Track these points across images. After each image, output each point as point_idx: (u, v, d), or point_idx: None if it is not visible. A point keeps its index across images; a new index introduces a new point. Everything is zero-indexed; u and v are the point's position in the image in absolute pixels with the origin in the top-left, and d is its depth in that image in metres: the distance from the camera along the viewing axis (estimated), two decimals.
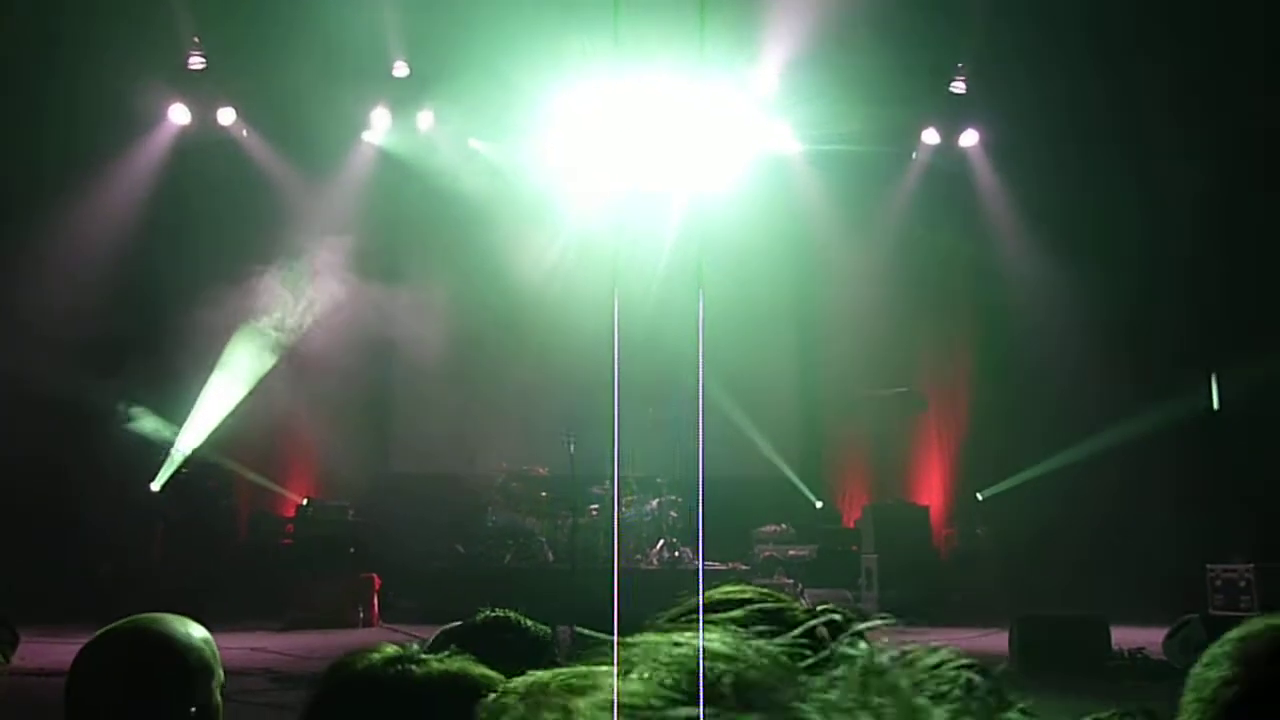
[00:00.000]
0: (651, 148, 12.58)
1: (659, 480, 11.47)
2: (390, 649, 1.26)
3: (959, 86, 12.69)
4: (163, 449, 11.50)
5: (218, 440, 11.50)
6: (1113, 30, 11.01)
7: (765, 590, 1.30)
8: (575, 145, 12.52)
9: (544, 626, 2.17)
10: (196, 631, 1.93)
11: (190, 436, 11.49)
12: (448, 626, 2.37)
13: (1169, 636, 7.77)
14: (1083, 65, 11.29)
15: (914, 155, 13.30)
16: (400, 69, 12.30)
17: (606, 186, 12.54)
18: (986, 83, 12.50)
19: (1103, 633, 7.48)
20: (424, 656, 1.26)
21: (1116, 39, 11.10)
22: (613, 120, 12.29)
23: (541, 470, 11.57)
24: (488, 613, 2.45)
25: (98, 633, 1.90)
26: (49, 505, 10.47)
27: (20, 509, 10.18)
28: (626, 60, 11.28)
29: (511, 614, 2.60)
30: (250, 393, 11.28)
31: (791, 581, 11.09)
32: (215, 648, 1.94)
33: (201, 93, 12.28)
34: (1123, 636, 7.85)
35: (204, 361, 11.36)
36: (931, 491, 13.04)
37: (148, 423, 11.38)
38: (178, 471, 11.47)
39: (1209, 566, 10.32)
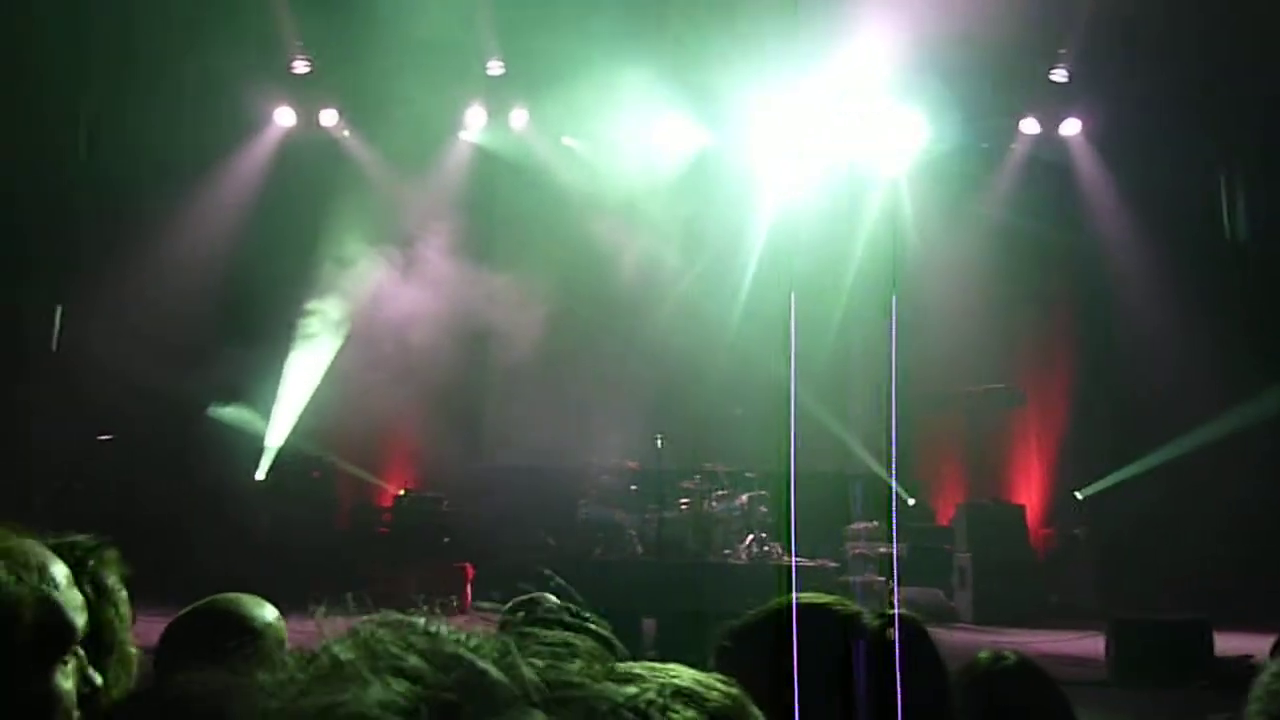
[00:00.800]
0: (750, 142, 12.60)
1: (749, 475, 11.45)
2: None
3: (1060, 74, 12.33)
4: (267, 441, 11.97)
5: (320, 432, 11.87)
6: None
7: (836, 598, 1.32)
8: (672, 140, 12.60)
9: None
10: (269, 612, 2.04)
11: (293, 429, 11.90)
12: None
13: (1277, 645, 7.46)
14: (1185, 49, 10.88)
15: (1013, 145, 13.00)
16: (495, 68, 12.49)
17: (701, 184, 12.57)
18: (1089, 70, 12.13)
19: (1205, 637, 7.21)
20: None
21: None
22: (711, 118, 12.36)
23: (632, 464, 11.66)
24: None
25: (180, 612, 2.02)
26: (159, 494, 10.93)
27: (132, 498, 10.64)
28: (720, 58, 11.27)
29: (550, 596, 2.64)
30: (348, 386, 11.59)
31: (883, 579, 10.98)
32: (284, 627, 2.05)
33: (306, 95, 12.66)
34: (1230, 644, 7.57)
35: (306, 356, 11.71)
36: (1029, 490, 12.75)
37: (250, 416, 11.86)
38: (281, 462, 11.89)
39: None
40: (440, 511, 11.60)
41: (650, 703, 0.48)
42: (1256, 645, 7.58)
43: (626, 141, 12.50)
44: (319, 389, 11.69)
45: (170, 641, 1.97)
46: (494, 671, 0.48)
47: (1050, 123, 12.79)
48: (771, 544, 11.05)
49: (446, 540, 11.23)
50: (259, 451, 12.05)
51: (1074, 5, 11.29)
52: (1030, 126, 12.82)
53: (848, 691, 1.10)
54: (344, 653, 0.49)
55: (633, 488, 11.62)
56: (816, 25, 11.27)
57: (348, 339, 11.87)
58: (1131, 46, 11.19)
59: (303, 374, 11.91)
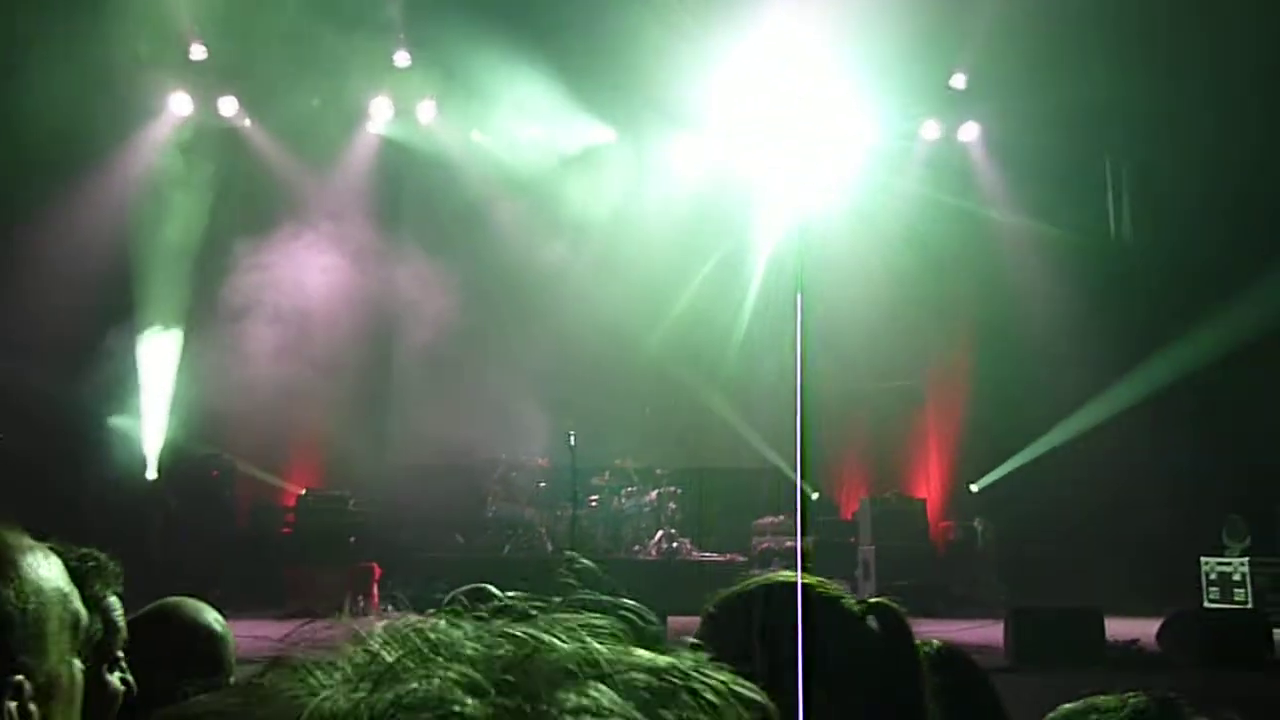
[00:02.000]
0: (653, 136, 12.67)
1: (658, 471, 11.53)
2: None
3: (959, 82, 12.68)
4: (158, 439, 11.63)
5: (219, 430, 11.55)
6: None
7: (819, 580, 1.35)
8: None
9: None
10: (213, 616, 2.00)
11: (189, 427, 11.58)
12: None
13: (1163, 629, 7.82)
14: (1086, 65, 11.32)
15: (914, 147, 13.31)
16: (402, 59, 12.30)
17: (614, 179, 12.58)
18: (987, 77, 12.51)
19: (1097, 625, 7.52)
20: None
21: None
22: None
23: (541, 461, 11.63)
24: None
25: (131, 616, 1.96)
26: (50, 495, 10.52)
27: (22, 497, 10.22)
28: (623, 54, 11.31)
29: (490, 587, 2.67)
30: (248, 381, 11.29)
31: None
32: (230, 631, 2.02)
33: (203, 82, 12.30)
34: (1117, 628, 7.90)
35: (200, 349, 11.37)
36: (929, 484, 13.10)
37: (139, 415, 11.52)
38: (177, 461, 11.55)
39: (1204, 560, 10.40)
40: (346, 510, 11.39)
41: (687, 673, 0.50)
42: (1143, 629, 7.96)
43: (533, 135, 12.46)
44: (217, 385, 11.35)
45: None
46: (559, 643, 0.49)
47: (949, 127, 13.14)
48: (681, 540, 11.14)
49: (353, 540, 11.04)
50: (152, 451, 11.70)
51: (972, 14, 11.62)
52: (931, 130, 13.14)
53: (824, 669, 1.14)
54: (392, 649, 0.50)
55: (542, 485, 11.59)
56: (724, 20, 11.42)
57: (248, 332, 11.55)
58: (1027, 57, 11.56)
59: (197, 369, 11.56)
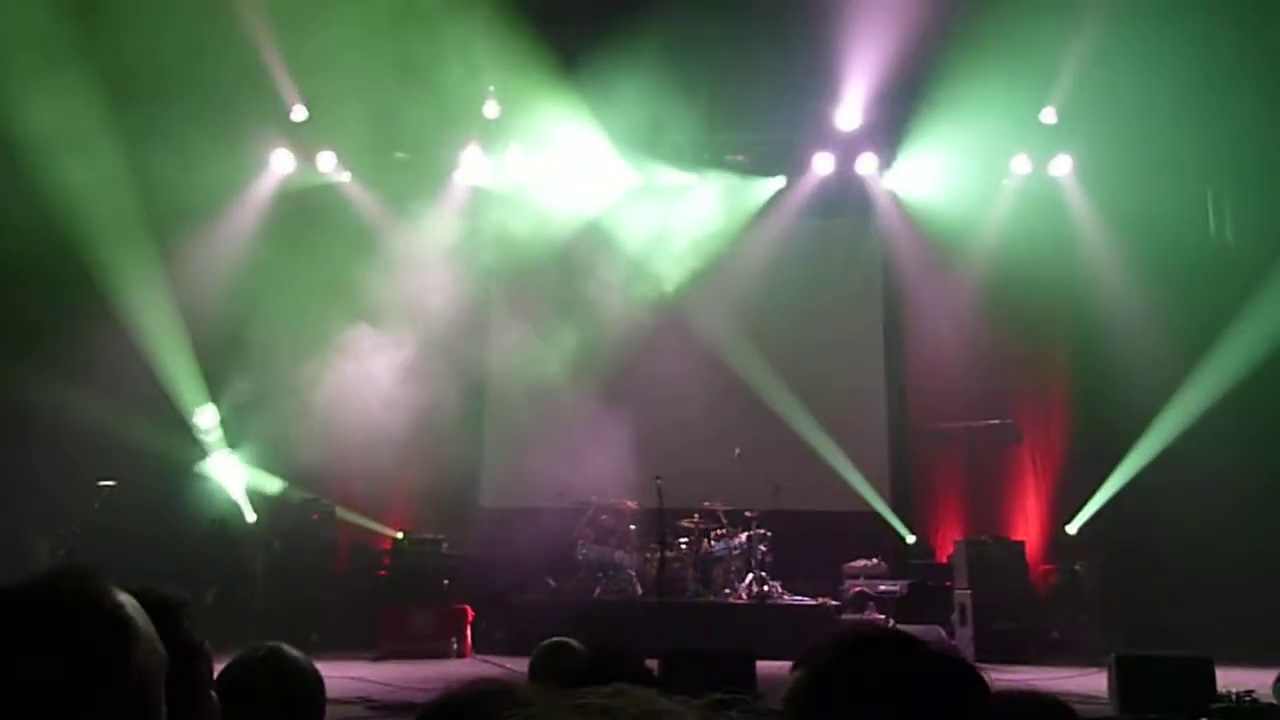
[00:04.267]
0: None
1: (748, 513, 11.46)
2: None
3: (1049, 116, 12.49)
4: (266, 486, 12.04)
5: (319, 477, 11.89)
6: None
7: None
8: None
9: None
10: (305, 660, 2.09)
11: (292, 474, 11.96)
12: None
13: None
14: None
15: (1005, 182, 13.13)
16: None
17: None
18: (1077, 110, 12.30)
19: (1208, 674, 7.20)
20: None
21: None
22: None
23: (631, 503, 11.66)
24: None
25: (238, 655, 2.07)
26: (159, 536, 10.95)
27: (132, 539, 10.64)
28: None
29: (573, 641, 2.72)
30: (346, 430, 11.60)
31: (882, 617, 10.95)
32: (321, 676, 2.11)
33: (303, 140, 12.81)
34: (1231, 678, 7.56)
35: (307, 399, 11.72)
36: (1027, 526, 12.75)
37: (247, 461, 11.96)
38: (280, 505, 11.92)
39: None
40: (440, 554, 11.58)
41: None
42: (1259, 679, 7.59)
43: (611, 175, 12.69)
44: (317, 434, 11.69)
45: (232, 688, 2.00)
46: None
47: (1040, 161, 12.93)
48: (771, 583, 11.04)
49: (446, 582, 11.21)
50: (257, 497, 12.11)
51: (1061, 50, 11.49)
52: (1021, 165, 12.95)
53: None
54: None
55: (632, 527, 11.62)
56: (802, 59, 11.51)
57: (347, 380, 11.89)
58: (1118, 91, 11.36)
59: (301, 418, 11.92)
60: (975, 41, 10.85)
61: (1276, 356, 11.00)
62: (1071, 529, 12.38)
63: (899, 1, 10.78)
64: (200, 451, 11.95)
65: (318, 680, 2.11)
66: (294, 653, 2.13)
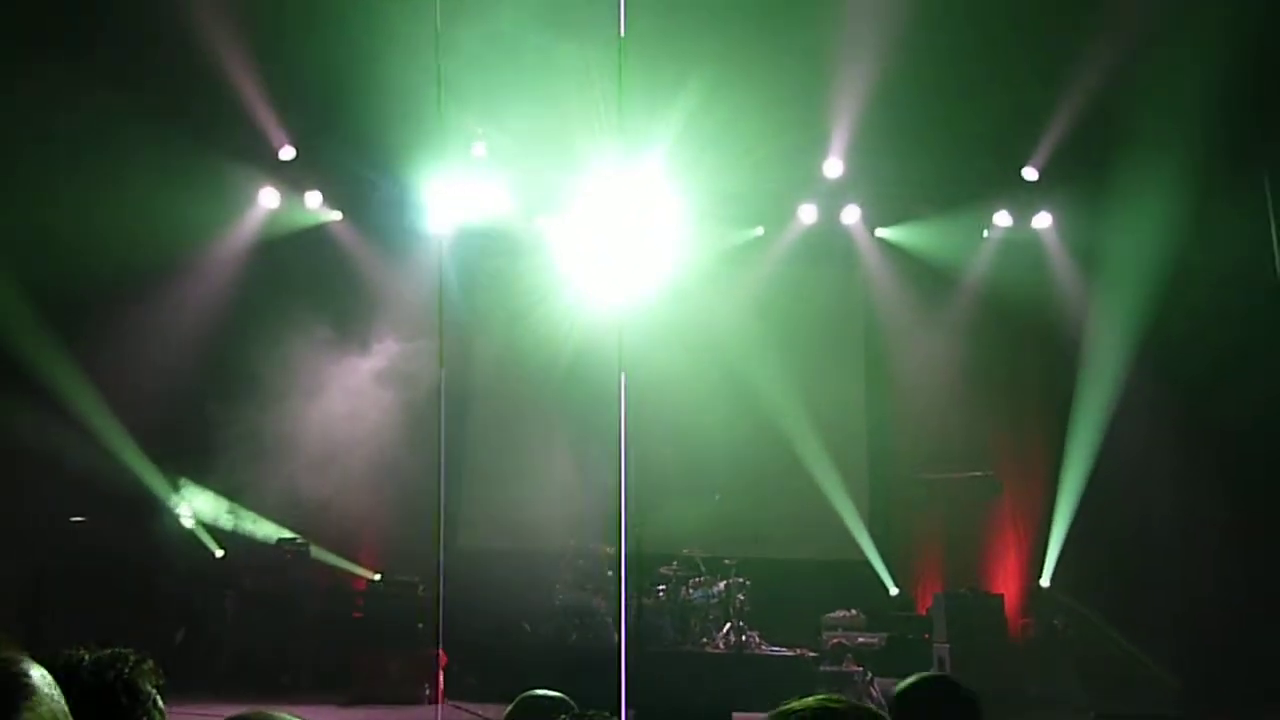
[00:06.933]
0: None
1: (726, 561, 11.38)
2: None
3: (1031, 173, 12.64)
4: (239, 524, 11.90)
5: (292, 515, 11.76)
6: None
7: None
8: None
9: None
10: None
11: (266, 512, 11.83)
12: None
13: None
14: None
15: (985, 234, 13.27)
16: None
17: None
18: (1060, 168, 12.44)
19: None
20: None
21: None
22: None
23: (609, 549, 11.57)
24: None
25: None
26: (128, 574, 10.79)
27: (100, 577, 10.48)
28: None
29: (551, 693, 2.68)
30: (320, 467, 11.51)
31: (860, 669, 10.86)
32: None
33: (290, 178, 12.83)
34: None
35: (283, 436, 11.63)
36: (1006, 579, 12.73)
37: (208, 500, 11.84)
38: (253, 543, 11.77)
39: None
40: (415, 596, 11.43)
41: None
42: None
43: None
44: (290, 472, 11.58)
45: None
46: None
47: (1022, 216, 13.09)
48: (749, 632, 10.95)
49: (420, 626, 11.05)
50: (229, 533, 11.96)
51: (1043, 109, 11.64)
52: (1003, 219, 13.11)
53: None
54: None
55: (610, 573, 11.51)
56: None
57: (321, 416, 11.81)
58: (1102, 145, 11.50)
59: (277, 455, 11.82)
60: (956, 92, 11.02)
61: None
62: (1044, 581, 12.39)
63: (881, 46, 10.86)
64: (171, 487, 11.81)
65: None
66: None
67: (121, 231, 10.74)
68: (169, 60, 10.65)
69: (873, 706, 1.51)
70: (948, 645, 10.79)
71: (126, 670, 1.46)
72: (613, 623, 11.11)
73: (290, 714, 2.13)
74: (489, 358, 13.02)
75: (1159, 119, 10.53)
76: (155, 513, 11.68)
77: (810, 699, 1.38)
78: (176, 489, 11.85)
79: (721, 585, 11.19)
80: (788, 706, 1.38)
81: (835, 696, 1.38)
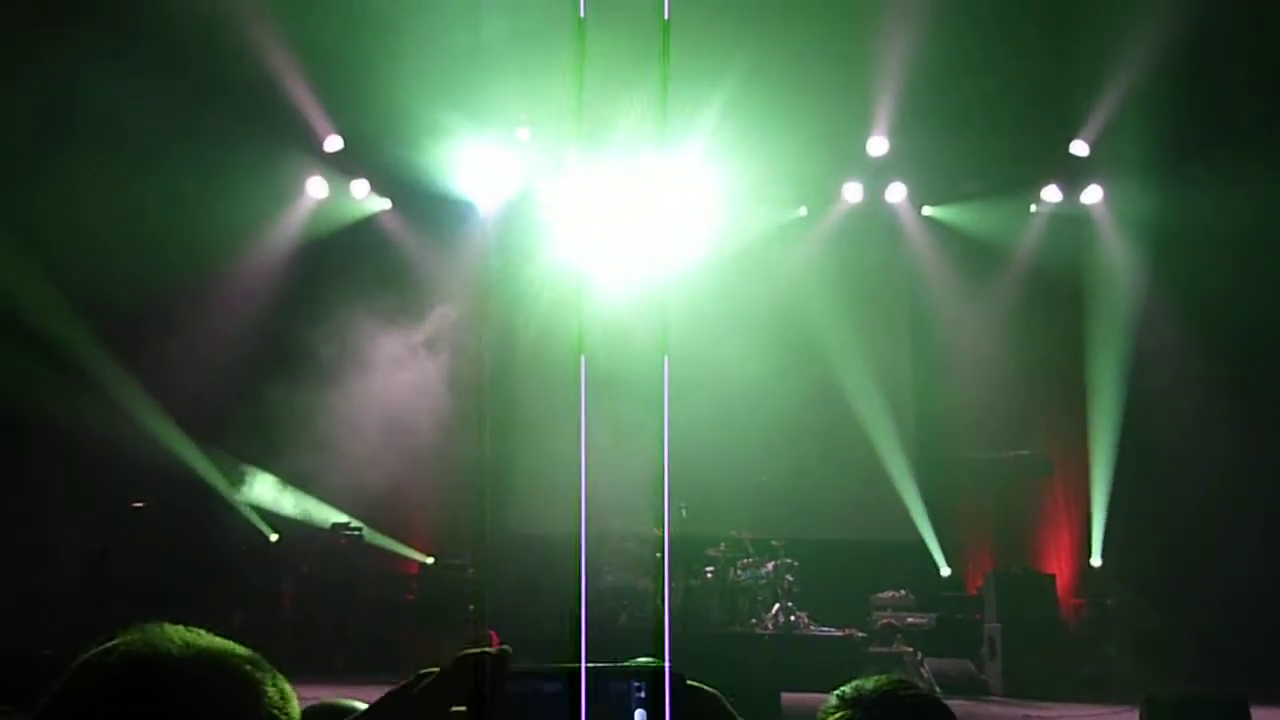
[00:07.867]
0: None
1: (774, 543, 11.38)
2: None
3: (1081, 147, 12.41)
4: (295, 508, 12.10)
5: (347, 500, 11.94)
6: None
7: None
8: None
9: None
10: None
11: (321, 496, 12.02)
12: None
13: None
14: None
15: (1033, 210, 13.08)
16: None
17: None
18: (1109, 142, 12.20)
19: (1241, 713, 7.05)
20: None
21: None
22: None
23: (657, 531, 11.61)
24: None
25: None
26: (186, 558, 11.03)
27: (160, 560, 10.72)
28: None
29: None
30: (373, 453, 11.66)
31: (910, 650, 10.82)
32: None
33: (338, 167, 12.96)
34: (1265, 718, 7.41)
35: (338, 422, 11.79)
36: (1059, 559, 12.59)
37: (266, 485, 12.03)
38: (310, 528, 11.97)
39: None
40: (465, 579, 11.57)
41: None
42: None
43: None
44: (345, 457, 11.75)
45: None
46: None
47: (1071, 191, 12.87)
48: (798, 613, 10.95)
49: (471, 608, 11.20)
50: (285, 518, 12.17)
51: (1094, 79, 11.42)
52: (1052, 194, 12.91)
53: None
54: None
55: (658, 555, 11.56)
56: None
57: (372, 405, 11.95)
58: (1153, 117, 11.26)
59: (333, 439, 11.98)
60: (1002, 66, 10.85)
61: None
62: (1095, 560, 12.22)
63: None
64: (230, 473, 12.03)
65: None
66: (342, 707, 2.11)
67: (183, 225, 10.96)
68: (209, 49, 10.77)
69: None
70: (999, 625, 10.71)
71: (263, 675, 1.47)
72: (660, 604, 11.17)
73: (347, 697, 2.18)
74: (532, 340, 13.08)
75: (1214, 88, 10.31)
76: (213, 498, 11.91)
77: (872, 681, 1.39)
78: (235, 475, 12.07)
79: (770, 566, 11.19)
80: (856, 683, 1.40)
81: (903, 679, 1.38)
